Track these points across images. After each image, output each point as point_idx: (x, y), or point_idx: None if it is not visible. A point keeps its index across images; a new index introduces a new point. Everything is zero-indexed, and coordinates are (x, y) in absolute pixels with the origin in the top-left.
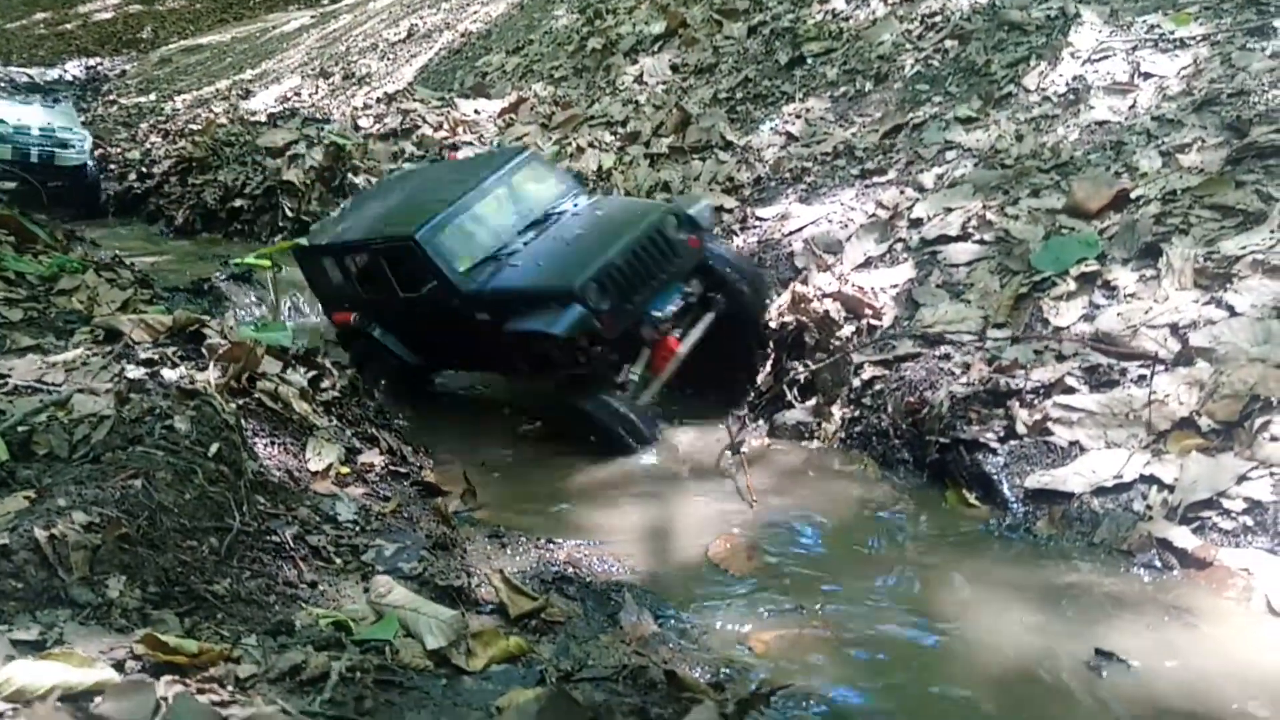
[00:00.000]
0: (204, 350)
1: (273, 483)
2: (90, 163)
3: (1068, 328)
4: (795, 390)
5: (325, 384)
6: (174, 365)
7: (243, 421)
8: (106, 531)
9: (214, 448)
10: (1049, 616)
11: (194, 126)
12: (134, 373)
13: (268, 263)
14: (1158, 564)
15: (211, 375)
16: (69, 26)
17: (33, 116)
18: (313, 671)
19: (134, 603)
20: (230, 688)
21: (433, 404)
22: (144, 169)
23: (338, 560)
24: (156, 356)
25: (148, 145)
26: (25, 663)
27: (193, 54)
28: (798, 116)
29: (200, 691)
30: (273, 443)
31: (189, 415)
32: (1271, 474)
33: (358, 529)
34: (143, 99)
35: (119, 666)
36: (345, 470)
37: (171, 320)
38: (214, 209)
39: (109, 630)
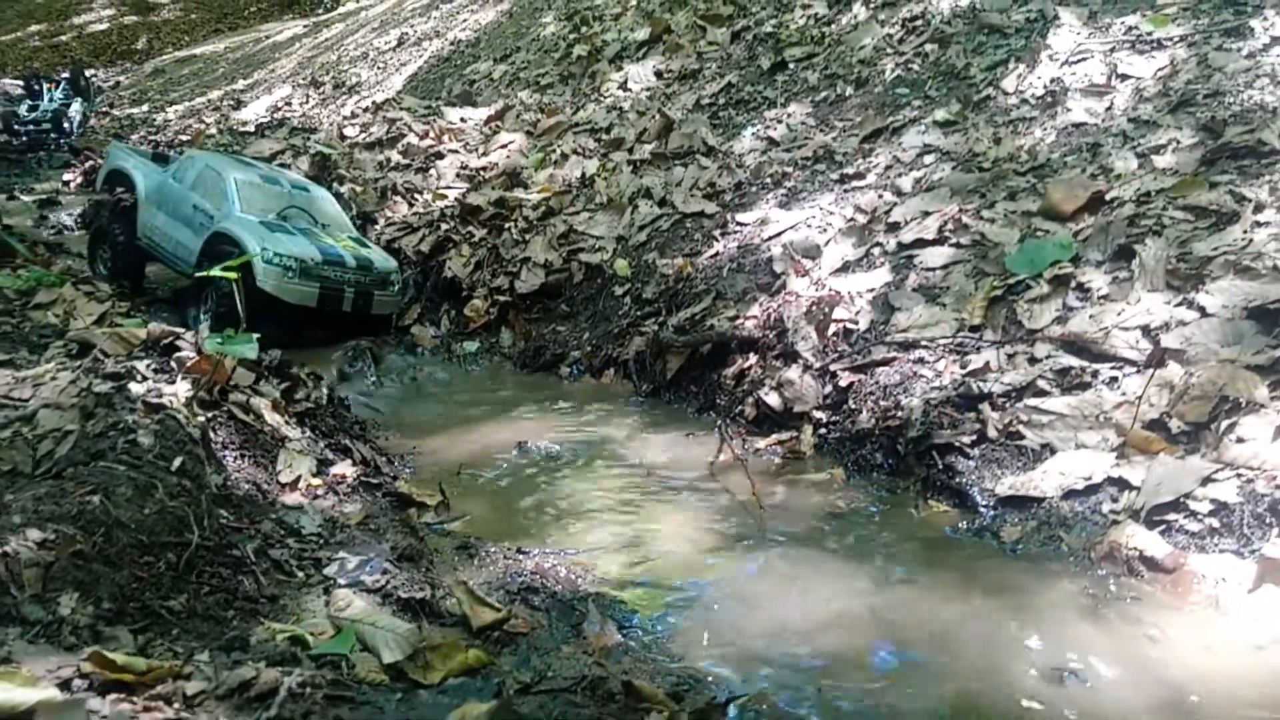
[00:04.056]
0: (173, 363)
1: (238, 496)
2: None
3: (1041, 330)
4: (770, 396)
5: (299, 395)
6: (142, 379)
7: (211, 434)
8: (60, 548)
9: (177, 462)
10: (1012, 625)
11: (184, 137)
12: (101, 387)
13: (233, 274)
14: (1123, 569)
15: (180, 388)
16: (64, 38)
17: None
18: (262, 687)
19: (86, 620)
20: (176, 705)
21: (425, 410)
22: None
23: (299, 574)
24: (124, 370)
25: None
26: None
27: (186, 65)
28: (779, 121)
29: (146, 709)
30: (243, 455)
31: (152, 429)
32: (1238, 475)
33: (322, 542)
34: (135, 110)
35: (64, 685)
36: (316, 482)
37: (145, 333)
38: None
39: (58, 649)
